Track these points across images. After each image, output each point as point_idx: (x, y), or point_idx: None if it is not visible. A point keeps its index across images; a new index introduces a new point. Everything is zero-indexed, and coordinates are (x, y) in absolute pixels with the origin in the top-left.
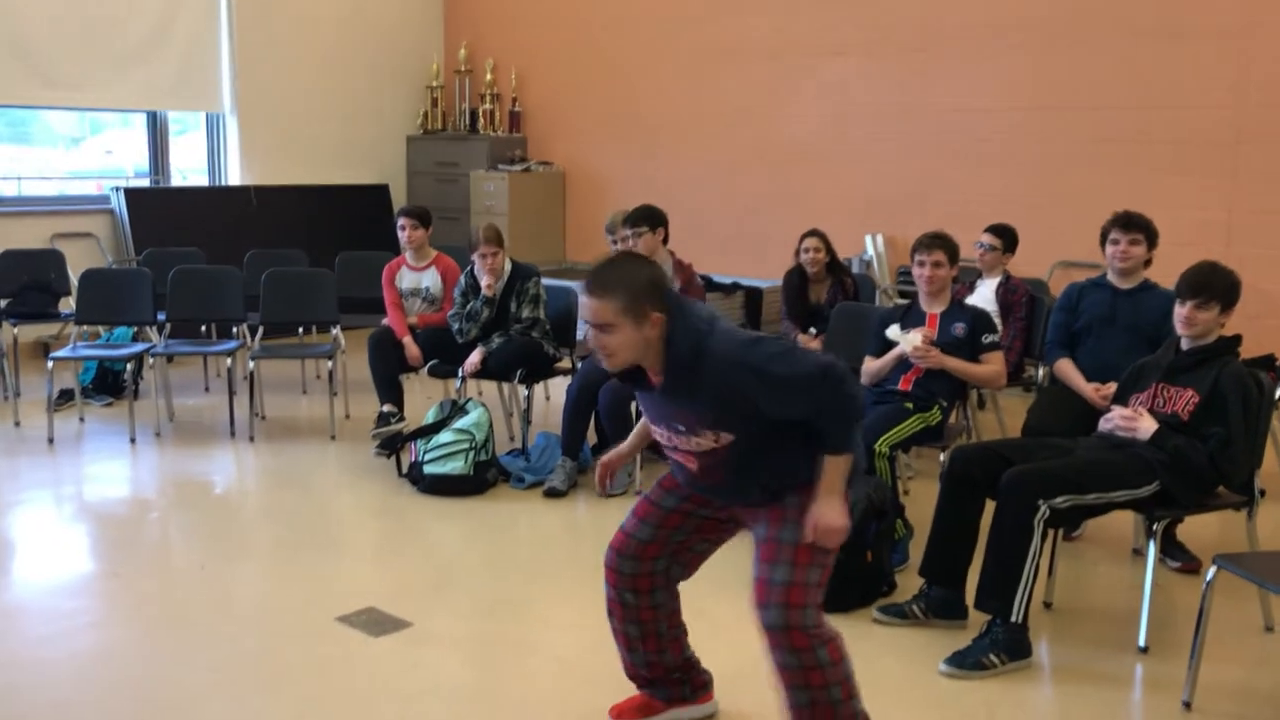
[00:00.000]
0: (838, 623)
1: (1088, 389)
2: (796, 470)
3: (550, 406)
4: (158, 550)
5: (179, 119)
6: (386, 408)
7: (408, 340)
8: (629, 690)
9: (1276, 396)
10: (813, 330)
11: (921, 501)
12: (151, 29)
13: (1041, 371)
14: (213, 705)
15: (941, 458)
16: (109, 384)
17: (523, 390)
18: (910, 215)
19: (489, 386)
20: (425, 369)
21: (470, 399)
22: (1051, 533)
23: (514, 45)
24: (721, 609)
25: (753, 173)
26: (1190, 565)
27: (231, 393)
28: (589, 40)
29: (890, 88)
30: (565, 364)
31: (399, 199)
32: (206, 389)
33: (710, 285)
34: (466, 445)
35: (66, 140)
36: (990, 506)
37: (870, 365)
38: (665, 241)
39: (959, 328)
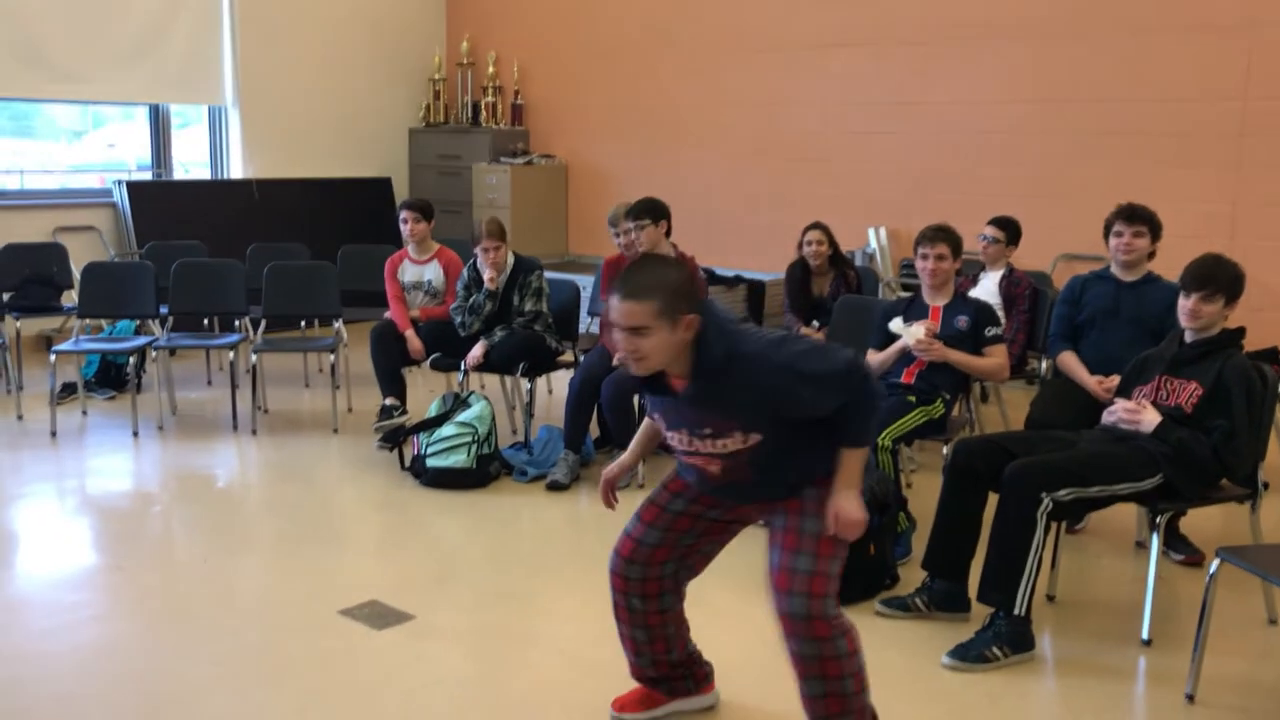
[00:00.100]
0: None
1: (1091, 382)
2: (818, 465)
3: (553, 400)
4: (160, 544)
5: (181, 112)
6: (389, 401)
7: (410, 333)
8: (632, 682)
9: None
10: (815, 323)
11: (924, 494)
12: (153, 22)
13: (1045, 364)
14: (215, 698)
15: (944, 450)
16: (111, 377)
17: (525, 383)
18: (913, 208)
19: (491, 380)
20: (427, 362)
21: (473, 392)
22: (1054, 525)
23: (516, 38)
24: (721, 598)
25: (755, 165)
26: (1193, 558)
27: (234, 386)
28: (591, 33)
29: (893, 80)
30: (568, 357)
31: (401, 192)
32: (209, 382)
33: (713, 278)
34: (469, 439)
35: (69, 134)
36: (993, 499)
37: (873, 358)
38: (668, 234)
39: (962, 320)
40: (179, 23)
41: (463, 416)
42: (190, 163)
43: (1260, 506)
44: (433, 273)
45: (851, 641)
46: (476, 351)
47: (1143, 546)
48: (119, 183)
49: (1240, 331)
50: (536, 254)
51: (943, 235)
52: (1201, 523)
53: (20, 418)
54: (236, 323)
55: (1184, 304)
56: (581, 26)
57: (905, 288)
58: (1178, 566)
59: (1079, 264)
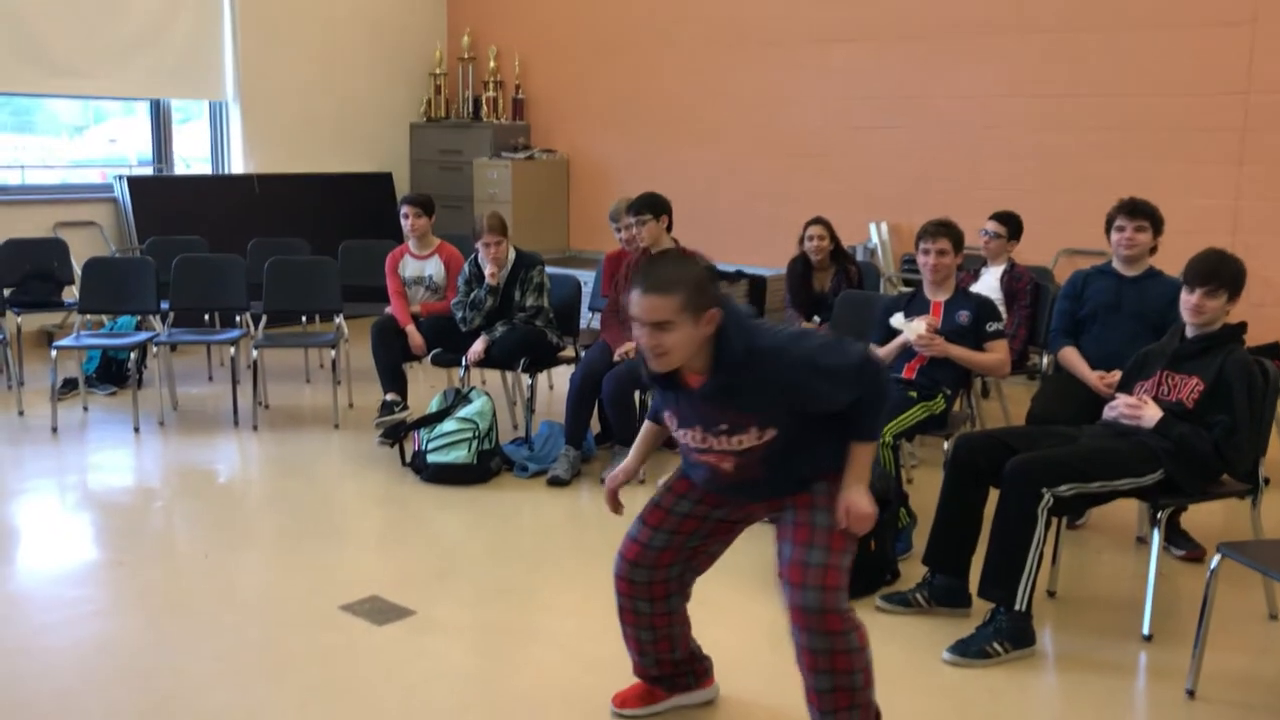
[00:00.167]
0: None
1: (1092, 377)
2: (829, 459)
3: (554, 395)
4: (161, 539)
5: (182, 107)
6: (390, 396)
7: (411, 329)
8: (632, 678)
9: None
10: (816, 319)
11: (925, 490)
12: (154, 17)
13: (1046, 359)
14: (216, 694)
15: (945, 446)
16: (113, 373)
17: (526, 379)
18: (915, 203)
19: (492, 375)
20: (428, 358)
21: (474, 388)
22: (1055, 521)
23: (517, 32)
24: (722, 594)
25: (757, 160)
26: (1194, 553)
27: (235, 381)
28: (592, 27)
29: (895, 75)
30: (569, 352)
31: (402, 187)
32: (210, 378)
33: (714, 273)
34: (470, 434)
35: (70, 129)
36: (994, 495)
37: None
38: (669, 229)
39: (963, 316)
40: (180, 18)
41: (464, 412)
42: (191, 158)
43: (1261, 502)
44: (434, 268)
45: (861, 636)
46: (478, 347)
47: (1143, 542)
48: (120, 178)
49: (1242, 326)
50: (537, 249)
51: (944, 230)
52: (1202, 518)
53: (21, 413)
54: (237, 318)
55: (1188, 299)
56: (583, 21)
57: (906, 283)
58: (1179, 562)
59: (1081, 259)
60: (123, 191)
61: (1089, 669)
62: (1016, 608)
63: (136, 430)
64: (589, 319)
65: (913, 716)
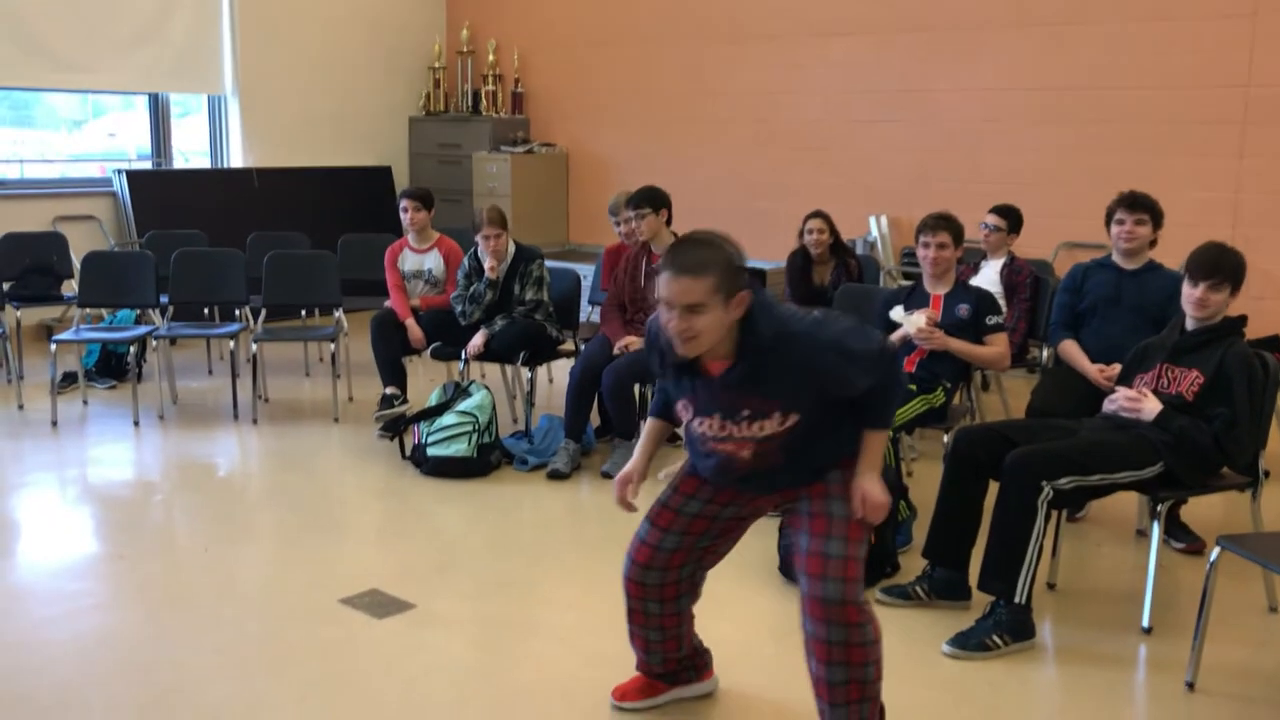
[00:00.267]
0: None
1: (1092, 370)
2: (844, 447)
3: (553, 389)
4: (161, 533)
5: (180, 101)
6: (389, 390)
7: (410, 322)
8: (632, 671)
9: None
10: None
11: (925, 483)
12: (153, 11)
13: (1046, 353)
14: (216, 687)
15: (945, 439)
16: (112, 367)
17: (526, 372)
18: (914, 196)
19: (492, 369)
20: (428, 351)
21: (473, 381)
22: (1055, 514)
23: (516, 26)
24: (722, 586)
25: (756, 154)
26: (1194, 546)
27: (234, 375)
28: (592, 21)
29: (894, 68)
30: (568, 346)
31: (401, 181)
32: (210, 372)
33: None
34: (470, 428)
35: (69, 123)
36: (994, 488)
37: None
38: (668, 223)
39: (963, 309)
40: (179, 12)
41: (463, 405)
42: (190, 152)
43: (1261, 495)
44: (433, 262)
45: (875, 629)
46: (477, 340)
47: (1143, 535)
48: (119, 172)
49: (1242, 319)
50: (537, 243)
51: (944, 224)
52: (1202, 511)
53: (21, 407)
54: (237, 312)
55: (1191, 293)
56: (582, 15)
57: (906, 276)
58: (1178, 555)
59: (1080, 252)
60: (122, 185)
61: (1089, 661)
62: (1016, 600)
63: (136, 424)
64: (589, 312)
65: (913, 709)
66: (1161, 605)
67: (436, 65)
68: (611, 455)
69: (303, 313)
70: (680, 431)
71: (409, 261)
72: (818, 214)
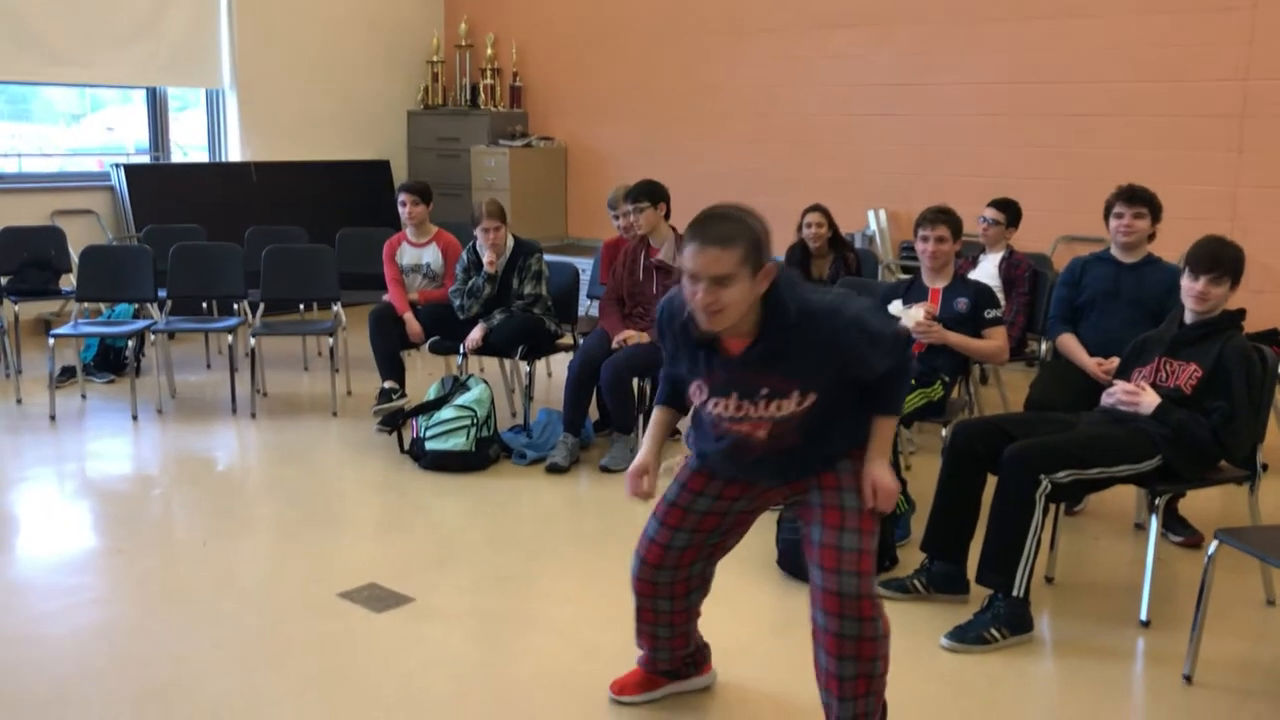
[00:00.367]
0: None
1: (1090, 364)
2: (855, 433)
3: (552, 383)
4: (160, 527)
5: (179, 95)
6: (388, 384)
7: (409, 317)
8: (630, 664)
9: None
10: None
11: (923, 477)
12: (151, 5)
13: (1044, 346)
14: (215, 681)
15: (943, 433)
16: (110, 361)
17: (524, 366)
18: (913, 190)
19: (490, 363)
20: (426, 345)
21: (472, 375)
22: (1053, 507)
23: (514, 19)
24: (719, 579)
25: (755, 147)
26: (1192, 539)
27: (233, 369)
28: (590, 15)
29: (893, 62)
30: (567, 340)
31: (400, 175)
32: (208, 366)
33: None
34: (468, 422)
35: (67, 117)
36: (992, 481)
37: None
38: (667, 217)
39: (961, 303)
40: (176, 6)
41: (462, 399)
42: (188, 146)
43: (1259, 488)
44: (431, 255)
45: (885, 623)
46: (475, 334)
47: (1141, 528)
48: (117, 166)
49: (1240, 313)
50: (535, 237)
51: (943, 217)
52: (1200, 504)
53: (19, 401)
54: (235, 306)
55: (1191, 286)
56: (580, 8)
57: (905, 270)
58: (1176, 548)
59: (1079, 246)
60: (120, 180)
61: (1087, 655)
62: (1014, 594)
63: (135, 418)
64: (587, 306)
65: (911, 703)
66: (1159, 598)
67: (435, 59)
68: (610, 449)
69: (301, 307)
70: (679, 427)
71: (407, 255)
72: (816, 208)
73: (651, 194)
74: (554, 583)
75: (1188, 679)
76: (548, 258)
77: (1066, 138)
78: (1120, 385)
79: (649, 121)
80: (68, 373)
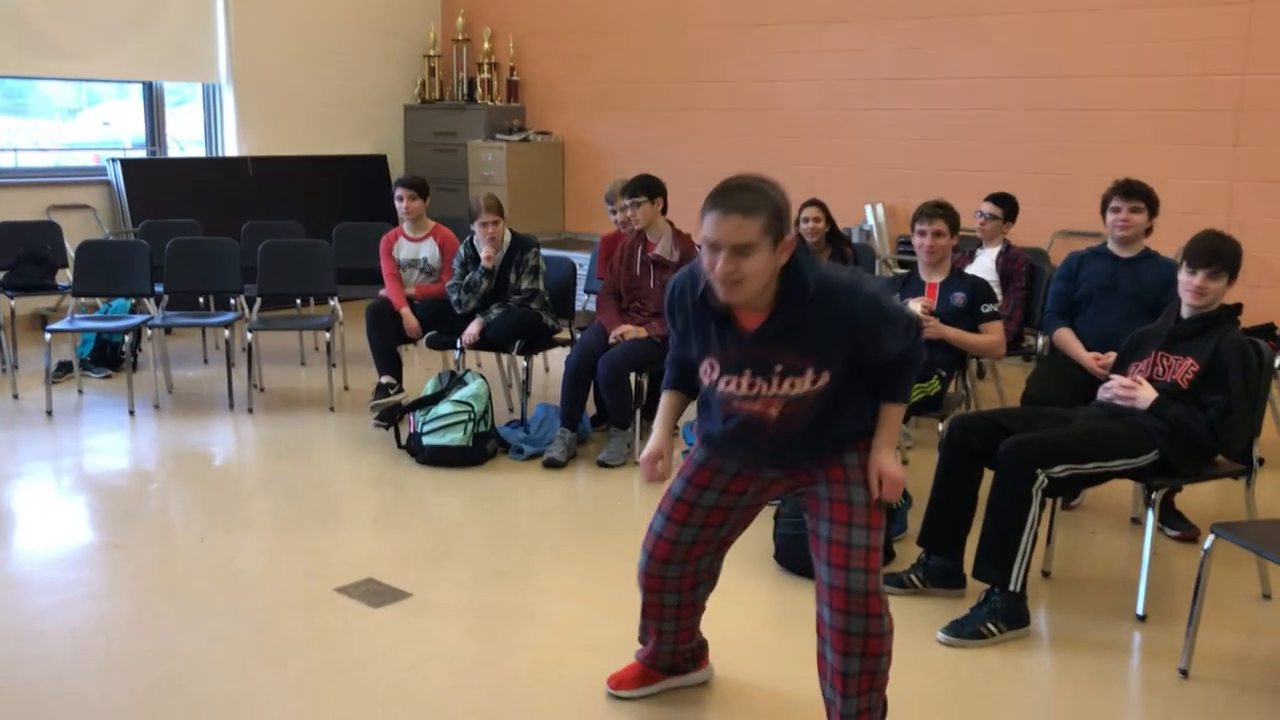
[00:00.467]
0: None
1: (1087, 358)
2: (864, 420)
3: (549, 378)
4: (157, 522)
5: (175, 90)
6: (385, 379)
7: (406, 311)
8: (628, 659)
9: (1276, 365)
10: None
11: (920, 471)
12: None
13: (1041, 341)
14: (212, 675)
15: (940, 427)
16: (107, 356)
17: (521, 361)
18: (910, 185)
19: (488, 358)
20: (423, 340)
21: (469, 370)
22: (1050, 502)
23: (511, 14)
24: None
25: (752, 142)
26: (1189, 534)
27: (230, 364)
28: (587, 9)
29: (890, 56)
30: (564, 335)
31: (396, 169)
32: (205, 361)
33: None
34: (465, 416)
35: (63, 111)
36: (989, 476)
37: None
38: (664, 212)
39: (958, 297)
40: (173, 0)
41: (459, 394)
42: (185, 140)
43: (1255, 482)
44: (428, 250)
45: (890, 620)
46: (472, 329)
47: (1138, 523)
48: (113, 160)
49: (1237, 307)
50: (533, 231)
51: (940, 212)
52: (1197, 499)
53: (16, 397)
54: (232, 301)
55: (1189, 281)
56: (578, 2)
57: (902, 264)
58: (1173, 542)
59: (1076, 240)
60: (116, 174)
61: (1083, 649)
62: (1011, 588)
63: (131, 413)
64: (584, 301)
65: (908, 697)
66: (1156, 593)
67: (432, 53)
68: (607, 444)
69: (298, 302)
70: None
71: (404, 250)
72: (813, 202)
73: (648, 189)
74: (551, 577)
75: (1184, 673)
76: (545, 252)
77: (1064, 132)
78: (1117, 380)
79: (646, 116)
80: (64, 368)
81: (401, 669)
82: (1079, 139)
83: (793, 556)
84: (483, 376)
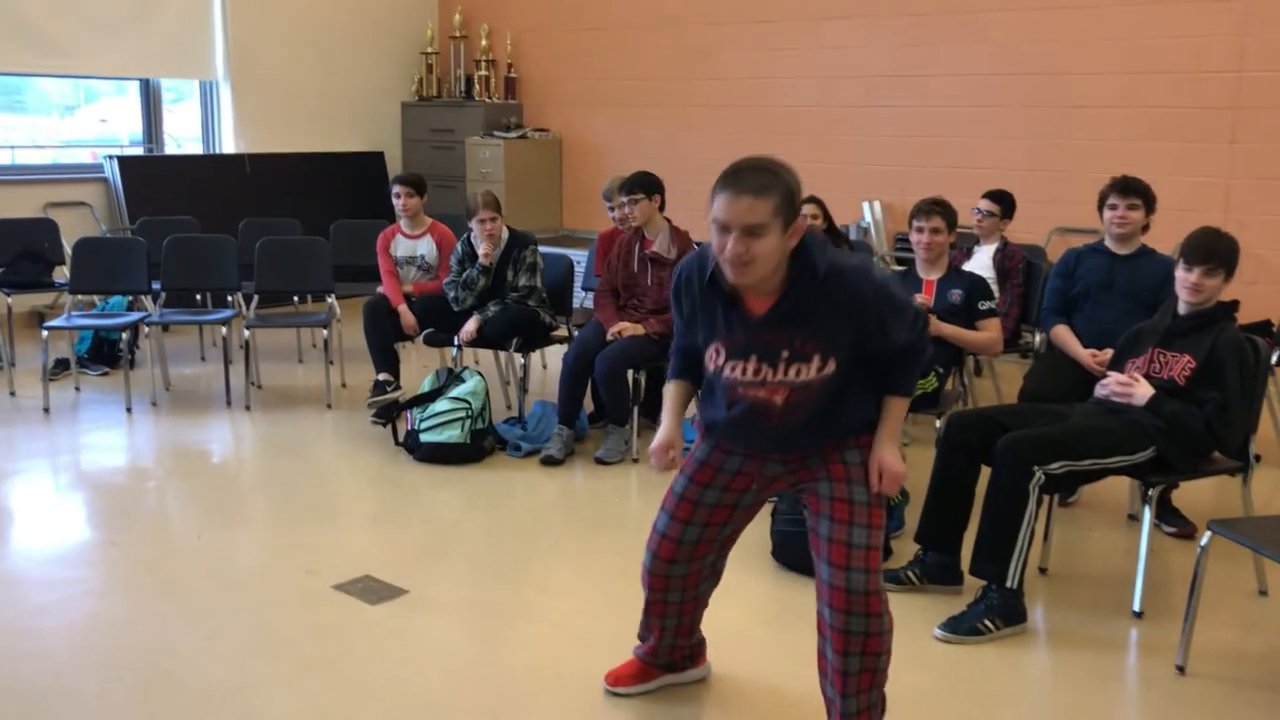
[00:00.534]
0: None
1: (1084, 355)
2: (868, 412)
3: (547, 375)
4: (155, 519)
5: (173, 86)
6: (382, 376)
7: (403, 309)
8: (625, 655)
9: (1273, 362)
10: None
11: (917, 468)
12: None
13: (1038, 338)
14: (210, 672)
15: (937, 424)
16: (104, 353)
17: (519, 358)
18: (908, 181)
19: (485, 355)
20: (421, 337)
21: (466, 367)
22: (1047, 498)
23: (509, 11)
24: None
25: (750, 138)
26: (1185, 530)
27: (227, 362)
28: (584, 6)
29: (888, 53)
30: (562, 332)
31: (394, 166)
32: (202, 358)
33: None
34: (463, 414)
35: (60, 108)
36: (986, 473)
37: None
38: (661, 209)
39: (956, 294)
40: None
41: (456, 392)
42: (182, 137)
43: (1251, 479)
44: (426, 247)
45: (890, 619)
46: (470, 326)
47: (1135, 519)
48: (110, 158)
49: (1234, 304)
50: (530, 229)
51: (938, 209)
52: (1194, 495)
53: (13, 394)
54: (229, 298)
55: (1186, 278)
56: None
57: (899, 261)
58: (1169, 539)
59: (1073, 237)
60: (113, 171)
61: (1080, 645)
62: (1008, 585)
63: (129, 411)
64: (582, 298)
65: (905, 693)
66: (1152, 589)
67: (429, 50)
68: (605, 441)
69: (295, 299)
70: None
71: (402, 247)
72: (811, 199)
73: (646, 186)
74: (549, 574)
75: (1180, 669)
76: (542, 249)
77: (1061, 129)
78: (1114, 376)
79: (644, 113)
80: (61, 365)
81: (399, 666)
82: (1076, 136)
83: (790, 553)
84: (480, 374)
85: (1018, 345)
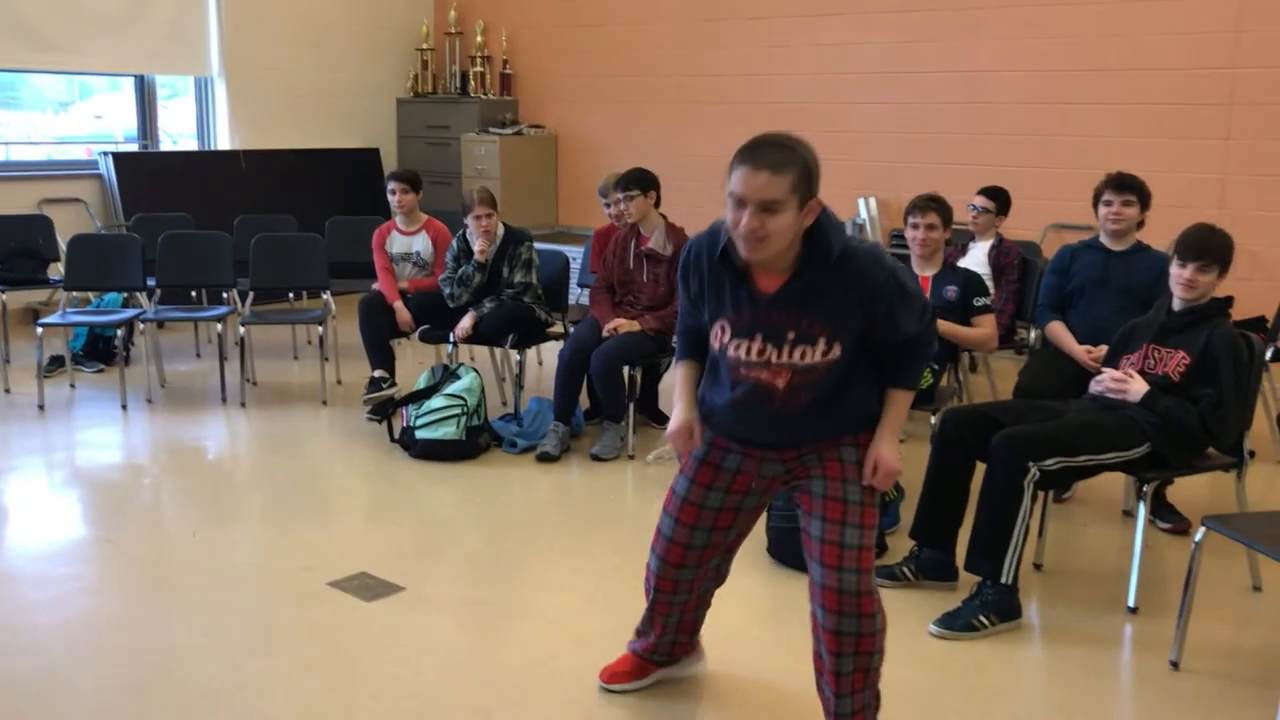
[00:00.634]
0: None
1: (1079, 351)
2: (870, 404)
3: (543, 371)
4: (150, 516)
5: (168, 83)
6: (378, 373)
7: (398, 305)
8: (621, 651)
9: (1267, 358)
10: None
11: (912, 464)
12: None
13: (1033, 334)
14: (205, 669)
15: (932, 420)
16: (100, 350)
17: (515, 355)
18: (903, 178)
19: (481, 351)
20: (416, 334)
21: (462, 364)
22: (1042, 494)
23: (504, 7)
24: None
25: (745, 135)
26: (1180, 526)
27: (222, 358)
28: (580, 2)
29: (882, 49)
30: (558, 329)
31: (389, 163)
32: (197, 355)
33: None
34: (458, 410)
35: (55, 105)
36: (981, 469)
37: None
38: (657, 205)
39: (951, 290)
40: None
41: (452, 388)
42: (177, 134)
43: (1246, 475)
44: (421, 244)
45: (883, 617)
46: (465, 323)
47: (1130, 515)
48: (105, 154)
49: (1228, 300)
50: (526, 225)
51: (933, 205)
52: (1188, 491)
53: (8, 391)
54: (224, 295)
55: (1180, 274)
56: None
57: (895, 257)
58: (1164, 535)
59: (1068, 233)
60: (108, 168)
61: (1074, 641)
62: (1003, 580)
63: (124, 407)
64: (578, 295)
65: (900, 690)
66: (1147, 585)
67: (424, 46)
68: (601, 438)
69: (290, 295)
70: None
71: (397, 244)
72: None
73: (642, 182)
74: (544, 571)
75: (1174, 665)
76: (538, 246)
77: (1056, 126)
78: (1109, 373)
79: (640, 109)
80: (56, 362)
81: (394, 662)
82: (1071, 133)
83: (785, 550)
84: (476, 370)
85: (1013, 341)
